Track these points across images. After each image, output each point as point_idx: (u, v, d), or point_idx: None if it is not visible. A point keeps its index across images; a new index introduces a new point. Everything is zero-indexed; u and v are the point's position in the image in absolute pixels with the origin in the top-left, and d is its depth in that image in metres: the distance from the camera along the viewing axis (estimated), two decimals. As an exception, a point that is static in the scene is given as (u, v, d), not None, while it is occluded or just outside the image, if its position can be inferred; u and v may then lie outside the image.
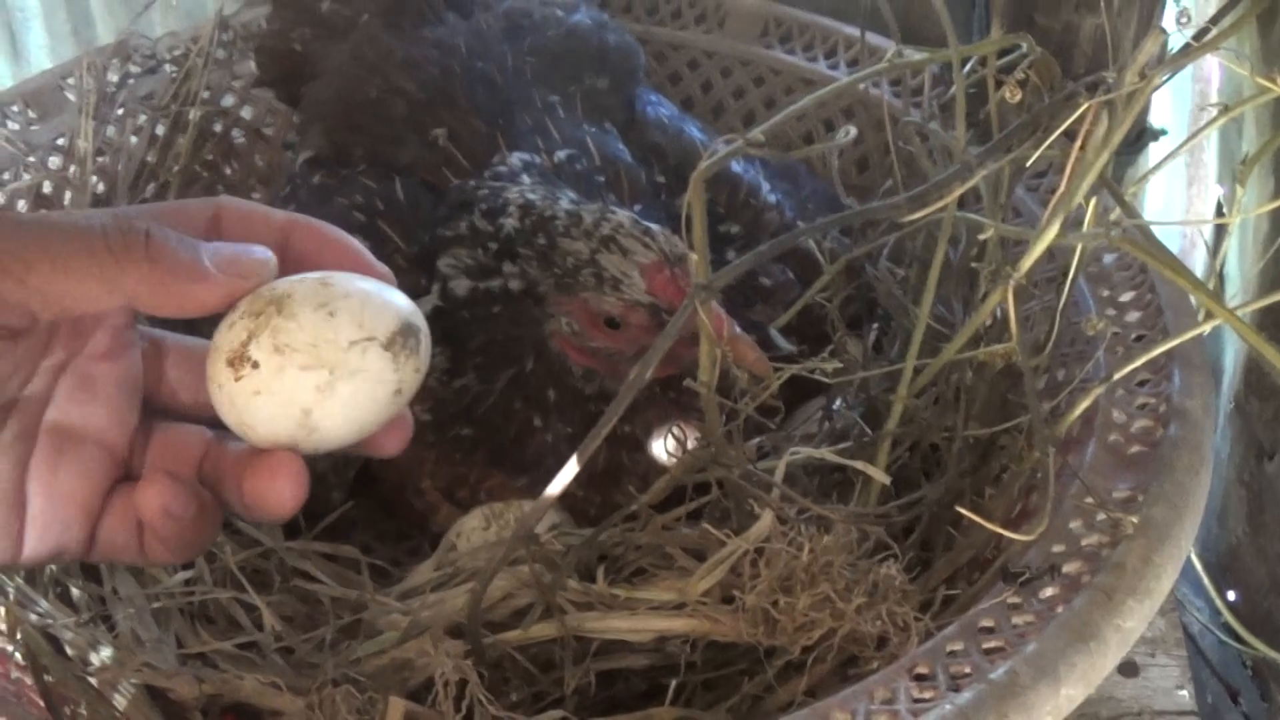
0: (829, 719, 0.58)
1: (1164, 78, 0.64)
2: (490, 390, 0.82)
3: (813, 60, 1.12)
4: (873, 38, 1.00)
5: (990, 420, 0.75)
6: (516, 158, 0.88)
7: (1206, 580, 1.03)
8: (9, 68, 1.47)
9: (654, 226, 0.76)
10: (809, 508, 0.68)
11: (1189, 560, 1.04)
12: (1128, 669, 0.87)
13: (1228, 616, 0.99)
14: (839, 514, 0.69)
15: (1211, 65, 1.04)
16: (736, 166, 0.95)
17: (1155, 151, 1.10)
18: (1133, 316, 0.78)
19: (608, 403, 0.65)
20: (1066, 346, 0.79)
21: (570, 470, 0.65)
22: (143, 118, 1.11)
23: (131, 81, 1.13)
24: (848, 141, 0.69)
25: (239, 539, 0.84)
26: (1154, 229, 0.66)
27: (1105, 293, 0.80)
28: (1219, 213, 1.06)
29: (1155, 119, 1.10)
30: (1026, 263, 0.64)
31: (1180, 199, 1.16)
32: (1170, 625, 0.90)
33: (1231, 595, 1.02)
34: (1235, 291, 1.01)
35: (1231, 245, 1.02)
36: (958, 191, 0.67)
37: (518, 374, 0.81)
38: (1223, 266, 1.05)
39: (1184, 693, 0.86)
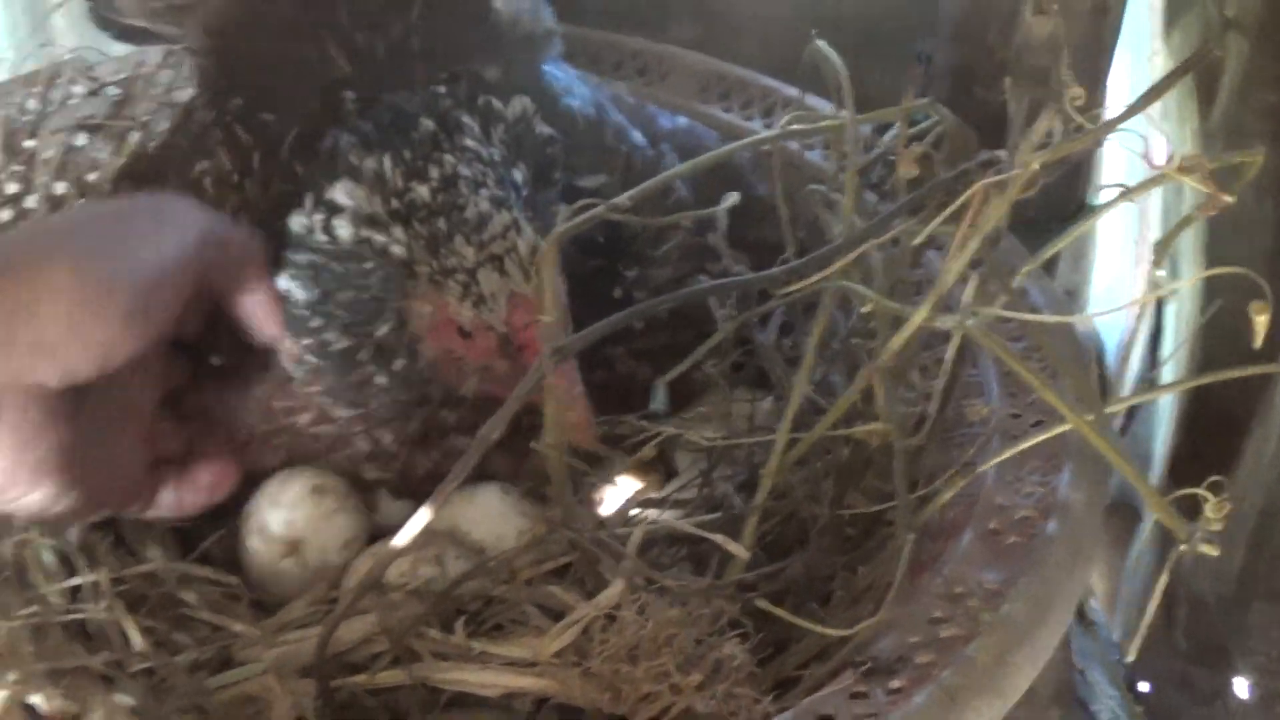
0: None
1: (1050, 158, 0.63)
2: (343, 339, 0.78)
3: (749, 119, 1.11)
4: (816, 100, 0.99)
5: (878, 499, 0.73)
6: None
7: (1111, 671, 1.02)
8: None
9: None
10: (656, 578, 0.67)
11: (1107, 645, 1.03)
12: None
13: (1132, 708, 0.98)
14: (689, 586, 0.68)
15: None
16: (591, 107, 0.91)
17: (1103, 226, 1.10)
18: (1031, 400, 0.77)
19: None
20: (965, 428, 0.77)
21: (419, 522, 0.64)
22: (80, 137, 1.11)
23: (72, 102, 1.12)
24: (729, 206, 0.69)
25: (127, 559, 0.83)
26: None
27: (1008, 371, 0.79)
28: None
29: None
30: (895, 343, 0.63)
31: (1129, 275, 1.15)
32: (1063, 717, 0.88)
33: (1144, 687, 1.01)
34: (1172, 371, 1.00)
35: (1168, 324, 1.00)
36: (838, 264, 0.66)
37: (369, 335, 0.78)
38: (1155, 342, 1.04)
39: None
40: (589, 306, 0.68)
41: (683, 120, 1.01)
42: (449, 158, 0.74)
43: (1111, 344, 1.17)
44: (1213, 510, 0.55)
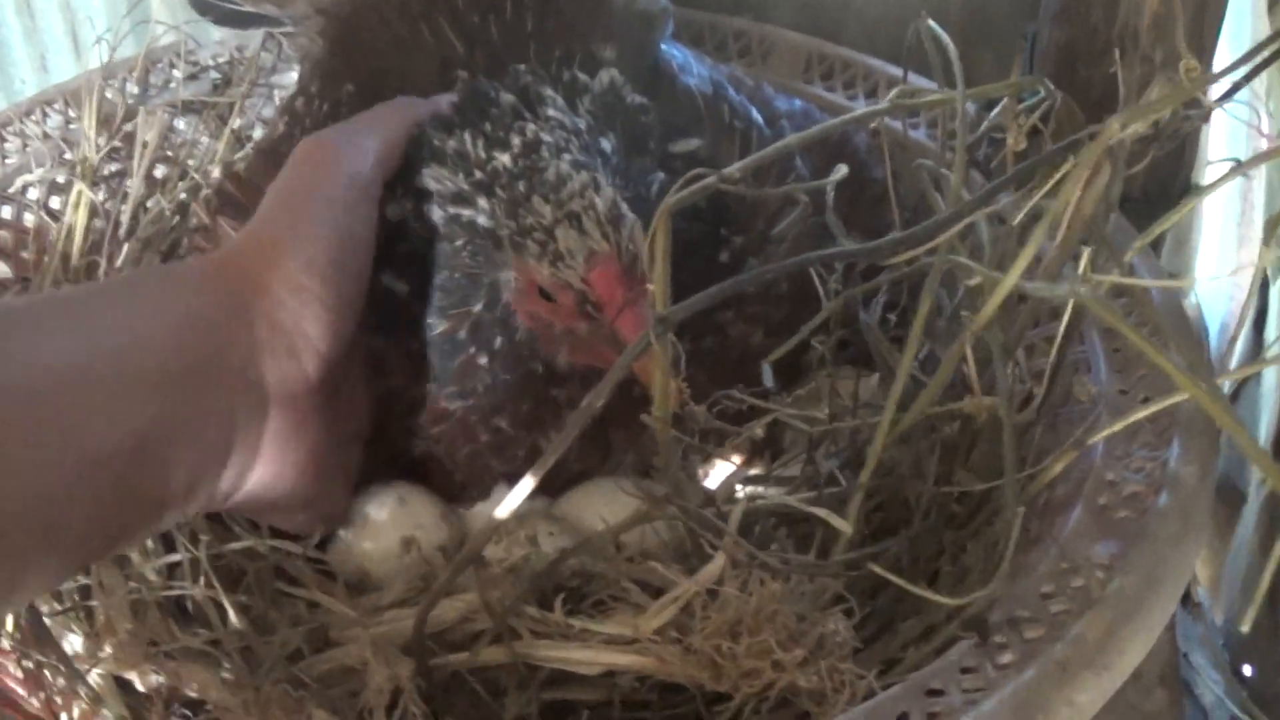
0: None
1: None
2: (442, 322, 0.79)
3: (852, 99, 1.10)
4: (919, 80, 0.98)
5: (986, 476, 0.72)
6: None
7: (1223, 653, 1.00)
8: (75, 67, 1.49)
9: (629, 217, 0.71)
10: (756, 555, 0.66)
11: (1211, 629, 1.01)
12: (1120, 741, 0.84)
13: (1237, 691, 0.96)
14: (791, 563, 0.67)
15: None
16: (708, 85, 0.90)
17: (1206, 212, 1.08)
18: (1142, 375, 0.75)
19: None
20: (1073, 406, 0.76)
21: (522, 490, 0.64)
22: (181, 120, 1.11)
23: (173, 85, 1.13)
24: (839, 179, 0.68)
25: (226, 535, 0.84)
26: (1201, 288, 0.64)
27: (1116, 349, 0.78)
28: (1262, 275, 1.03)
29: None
30: (986, 312, 0.62)
31: (1232, 260, 1.13)
32: (1171, 700, 0.87)
33: (1248, 670, 0.99)
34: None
35: (1273, 306, 0.98)
36: (943, 236, 0.64)
37: (467, 314, 0.78)
38: (1260, 326, 1.02)
39: (1176, 769, 0.83)
40: (693, 272, 0.67)
41: (799, 103, 1.00)
42: (531, 126, 0.74)
43: (1214, 328, 1.15)
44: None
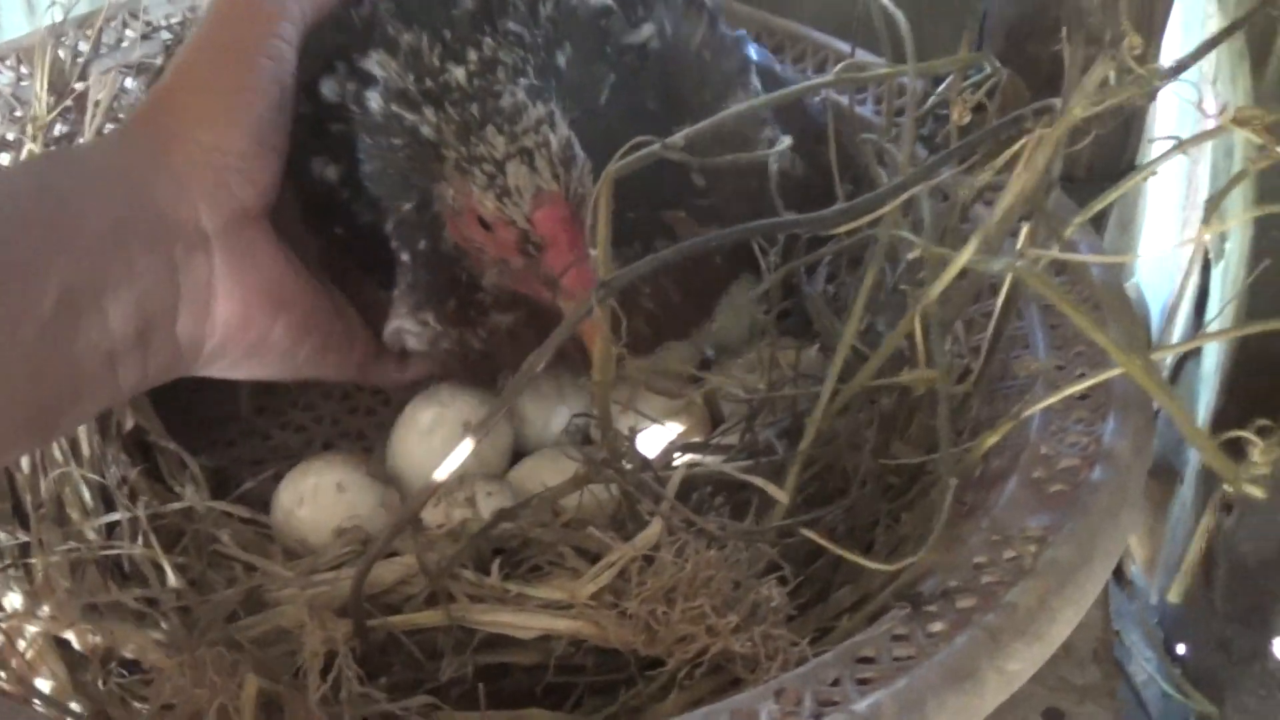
0: (685, 734, 0.57)
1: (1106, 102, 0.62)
2: (368, 214, 0.79)
3: (803, 74, 1.10)
4: (867, 56, 0.98)
5: (924, 449, 0.73)
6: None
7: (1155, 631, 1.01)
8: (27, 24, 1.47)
9: (580, 157, 0.71)
10: (695, 521, 0.67)
11: (1146, 608, 1.02)
12: (1053, 715, 0.85)
13: (1170, 670, 0.97)
14: (727, 530, 0.67)
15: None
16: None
17: (1150, 193, 1.09)
18: (1079, 351, 0.76)
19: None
20: (1011, 381, 0.77)
21: (457, 457, 0.64)
22: (131, 80, 1.10)
23: (125, 45, 1.12)
24: (782, 150, 0.68)
25: (165, 496, 0.84)
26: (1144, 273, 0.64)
27: (1054, 325, 0.78)
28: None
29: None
30: (937, 287, 0.62)
31: (1178, 237, 1.14)
32: (1104, 674, 0.87)
33: (1181, 649, 1.00)
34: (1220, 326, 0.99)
35: (1214, 288, 0.99)
36: (886, 207, 0.65)
37: (395, 209, 0.78)
38: (1200, 308, 1.03)
39: (1109, 744, 0.84)
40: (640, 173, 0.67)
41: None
42: (489, 41, 0.73)
43: (1156, 312, 1.16)
44: (1260, 454, 0.54)
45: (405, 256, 0.79)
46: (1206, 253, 1.04)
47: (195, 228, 0.70)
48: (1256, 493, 0.54)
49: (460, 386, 0.86)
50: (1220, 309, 0.99)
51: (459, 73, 0.72)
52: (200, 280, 0.70)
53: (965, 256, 0.61)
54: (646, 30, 0.82)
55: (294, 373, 0.80)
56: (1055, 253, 0.62)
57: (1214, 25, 1.00)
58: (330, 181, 0.77)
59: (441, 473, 0.64)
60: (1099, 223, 0.95)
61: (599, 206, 0.61)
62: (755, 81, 0.87)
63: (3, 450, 0.67)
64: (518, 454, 0.87)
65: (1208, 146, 1.03)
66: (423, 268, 0.79)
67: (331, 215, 0.79)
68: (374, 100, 0.74)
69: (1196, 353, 1.06)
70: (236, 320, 0.72)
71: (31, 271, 0.63)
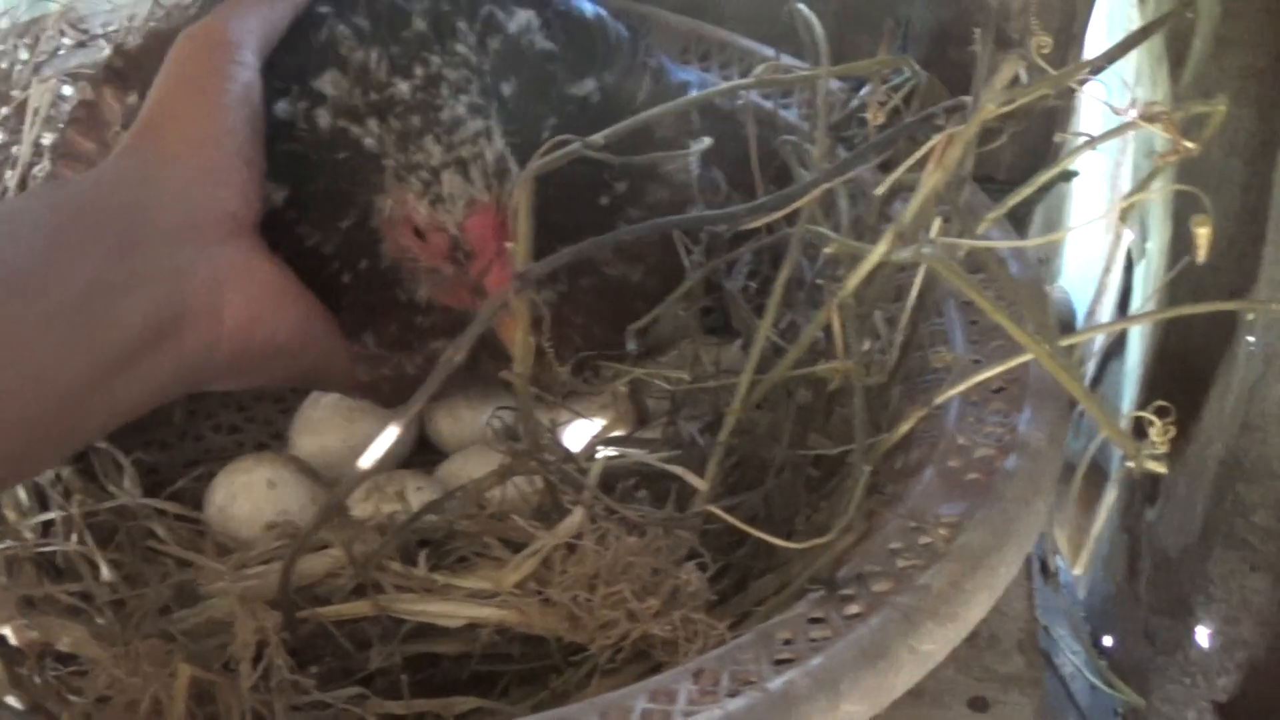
0: (605, 714, 0.58)
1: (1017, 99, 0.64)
2: (313, 235, 0.80)
3: (729, 79, 1.11)
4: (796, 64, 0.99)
5: (843, 440, 0.74)
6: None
7: (1078, 623, 1.03)
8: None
9: (514, 171, 0.73)
10: (616, 509, 0.68)
11: (1073, 602, 1.04)
12: (978, 704, 0.86)
13: (1096, 661, 0.99)
14: (647, 517, 0.68)
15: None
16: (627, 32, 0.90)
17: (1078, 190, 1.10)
18: (997, 345, 0.77)
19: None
20: (929, 374, 0.78)
21: (384, 443, 0.65)
22: (69, 88, 1.11)
23: (62, 53, 1.13)
24: (702, 148, 0.69)
25: (99, 494, 0.85)
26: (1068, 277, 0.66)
27: (973, 320, 0.80)
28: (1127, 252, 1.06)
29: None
30: (852, 281, 0.64)
31: (1104, 238, 1.16)
32: (1029, 664, 0.88)
33: (1108, 641, 1.02)
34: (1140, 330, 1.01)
35: (1136, 286, 1.01)
36: (802, 201, 0.66)
37: (336, 230, 0.79)
38: (1124, 308, 1.05)
39: (1032, 733, 0.85)
40: (572, 214, 0.68)
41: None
42: (435, 59, 0.75)
43: (1082, 311, 1.18)
44: (1157, 433, 0.56)
45: (347, 278, 0.80)
46: (1130, 252, 1.06)
47: (197, 237, 0.71)
48: (1158, 468, 0.56)
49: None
50: (1141, 304, 1.00)
51: (404, 86, 0.74)
52: (207, 287, 0.71)
53: (880, 250, 0.62)
54: (588, 85, 0.84)
55: (300, 377, 0.84)
56: (962, 240, 0.64)
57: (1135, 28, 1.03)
58: (276, 204, 0.78)
59: (365, 461, 0.65)
60: (1023, 225, 0.97)
61: (519, 203, 0.62)
62: (696, 121, 0.88)
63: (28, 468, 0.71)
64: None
65: (1130, 148, 1.05)
66: (363, 289, 0.80)
67: (278, 238, 0.79)
68: (323, 117, 0.77)
69: (1120, 352, 1.08)
70: (245, 320, 0.73)
71: (51, 281, 0.65)
